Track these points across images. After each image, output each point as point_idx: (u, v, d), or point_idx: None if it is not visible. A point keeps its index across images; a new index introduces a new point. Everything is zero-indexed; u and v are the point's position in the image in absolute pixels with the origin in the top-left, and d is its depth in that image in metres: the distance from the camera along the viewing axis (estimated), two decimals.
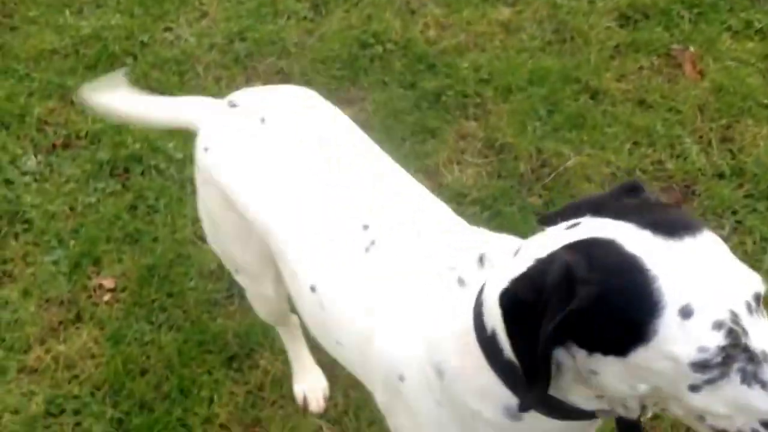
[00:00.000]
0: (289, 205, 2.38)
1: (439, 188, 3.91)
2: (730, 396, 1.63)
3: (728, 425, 1.67)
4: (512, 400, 1.84)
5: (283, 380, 3.44)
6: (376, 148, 2.48)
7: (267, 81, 4.40)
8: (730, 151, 4.14)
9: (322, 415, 3.35)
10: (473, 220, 2.35)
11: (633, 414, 1.79)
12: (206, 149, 2.58)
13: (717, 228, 3.79)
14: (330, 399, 3.39)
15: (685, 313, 1.57)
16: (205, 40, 4.68)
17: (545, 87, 4.38)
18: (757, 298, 1.64)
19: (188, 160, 4.00)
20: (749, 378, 1.61)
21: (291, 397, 3.39)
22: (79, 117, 4.32)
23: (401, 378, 2.06)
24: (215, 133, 2.59)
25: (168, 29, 4.74)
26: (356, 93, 4.43)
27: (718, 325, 1.57)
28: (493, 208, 3.93)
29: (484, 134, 4.22)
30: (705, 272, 1.61)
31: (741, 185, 4.01)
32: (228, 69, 4.57)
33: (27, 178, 4.13)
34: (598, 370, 1.70)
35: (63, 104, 4.44)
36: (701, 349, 1.58)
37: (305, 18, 4.75)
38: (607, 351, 1.65)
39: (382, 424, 3.16)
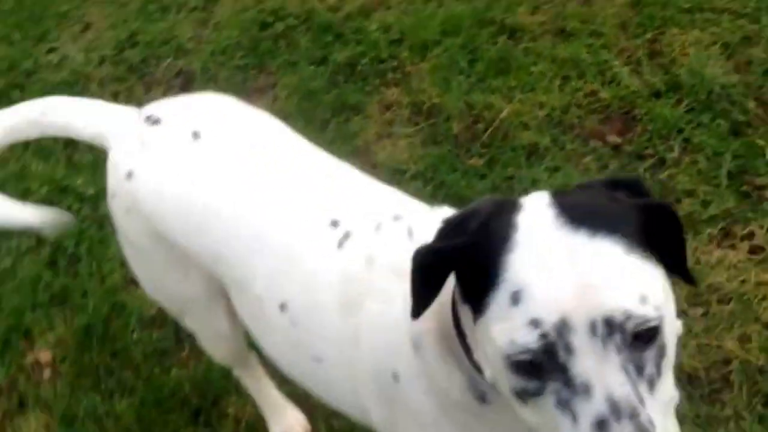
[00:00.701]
0: (242, 224, 1.99)
1: (374, 169, 3.33)
2: (548, 417, 1.33)
3: None
4: (478, 376, 1.52)
5: (257, 424, 2.81)
6: (311, 145, 2.12)
7: (169, 85, 3.86)
8: (661, 65, 3.60)
9: None
10: (417, 196, 1.95)
11: None
12: (129, 174, 2.09)
13: (667, 151, 3.29)
14: None
15: (515, 298, 1.31)
16: (93, 54, 4.11)
17: (461, 36, 3.88)
18: (609, 323, 1.27)
19: (101, 194, 3.31)
20: (563, 404, 1.30)
21: None
22: None
23: (396, 377, 1.71)
24: (139, 155, 2.11)
25: (52, 50, 4.14)
26: (265, 80, 3.90)
27: (534, 323, 1.29)
28: (434, 180, 3.38)
29: (408, 99, 3.69)
30: (561, 268, 1.30)
31: (680, 100, 3.45)
32: (124, 81, 3.96)
33: None
34: (476, 332, 1.43)
35: None
36: (511, 343, 1.30)
37: (196, 8, 4.19)
38: (473, 310, 1.40)
39: None
